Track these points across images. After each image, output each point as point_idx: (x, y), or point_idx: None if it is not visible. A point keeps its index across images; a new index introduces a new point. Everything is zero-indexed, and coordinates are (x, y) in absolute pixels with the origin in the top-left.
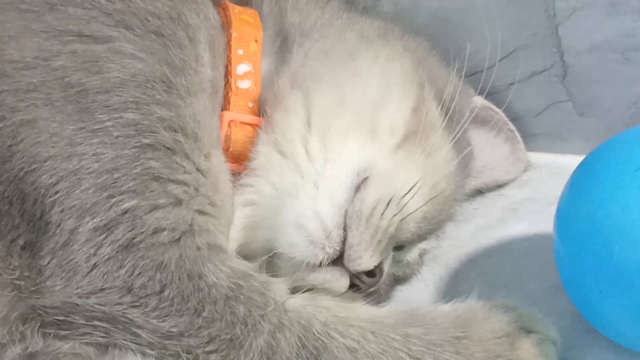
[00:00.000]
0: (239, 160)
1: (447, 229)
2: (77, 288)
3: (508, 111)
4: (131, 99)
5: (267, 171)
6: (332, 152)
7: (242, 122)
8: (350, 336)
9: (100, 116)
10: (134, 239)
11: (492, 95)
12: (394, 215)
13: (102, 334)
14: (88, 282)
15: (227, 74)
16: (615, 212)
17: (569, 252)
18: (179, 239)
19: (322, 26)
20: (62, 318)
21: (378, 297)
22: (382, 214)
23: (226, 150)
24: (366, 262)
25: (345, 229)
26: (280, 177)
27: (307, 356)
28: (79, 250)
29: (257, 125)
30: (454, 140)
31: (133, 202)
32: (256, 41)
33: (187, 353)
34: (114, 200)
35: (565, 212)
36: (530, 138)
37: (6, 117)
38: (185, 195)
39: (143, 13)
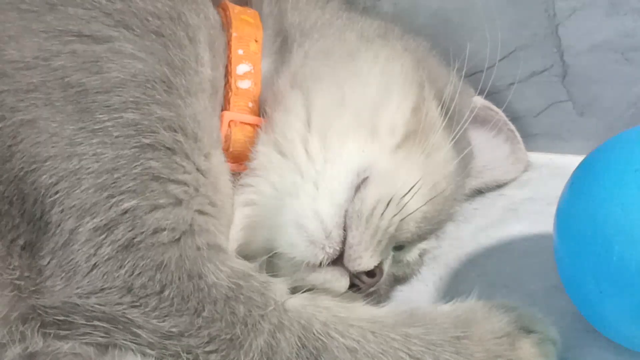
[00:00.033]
0: (239, 160)
1: (447, 229)
2: (77, 288)
3: (508, 111)
4: (131, 99)
5: (267, 171)
6: (332, 152)
7: (242, 122)
8: (350, 336)
9: (100, 116)
10: (134, 239)
11: (492, 95)
12: (394, 215)
13: (102, 334)
14: (88, 282)
15: (227, 74)
16: (615, 212)
17: (569, 252)
18: (179, 239)
19: (322, 26)
20: (62, 318)
21: (378, 297)
22: (382, 214)
23: (226, 150)
24: (366, 262)
25: (345, 229)
26: (280, 177)
27: (307, 356)
28: (79, 250)
29: (257, 125)
30: (454, 140)
31: (133, 202)
32: (256, 41)
33: (187, 353)
34: (114, 200)
35: (565, 212)
36: (530, 138)
37: (6, 117)
38: (185, 195)
39: (143, 13)
